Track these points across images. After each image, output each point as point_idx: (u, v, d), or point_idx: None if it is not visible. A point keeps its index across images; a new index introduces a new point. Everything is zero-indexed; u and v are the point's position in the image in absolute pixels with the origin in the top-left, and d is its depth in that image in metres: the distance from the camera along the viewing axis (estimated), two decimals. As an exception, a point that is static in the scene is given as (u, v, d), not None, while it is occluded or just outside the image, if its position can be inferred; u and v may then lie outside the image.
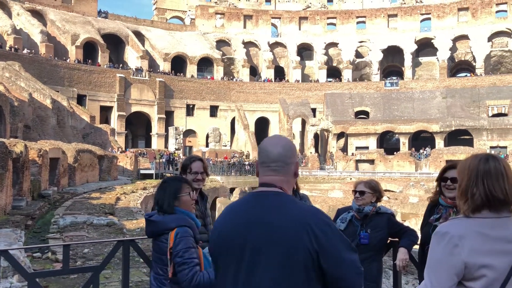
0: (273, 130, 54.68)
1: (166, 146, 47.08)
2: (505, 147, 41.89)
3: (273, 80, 58.60)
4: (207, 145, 50.81)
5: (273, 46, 62.54)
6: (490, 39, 55.82)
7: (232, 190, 34.16)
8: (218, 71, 57.98)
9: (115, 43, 55.81)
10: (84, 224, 11.51)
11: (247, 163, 40.38)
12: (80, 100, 45.89)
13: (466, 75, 56.92)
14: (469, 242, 1.74)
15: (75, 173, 22.55)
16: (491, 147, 42.50)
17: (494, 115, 46.14)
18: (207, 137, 51.29)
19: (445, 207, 3.49)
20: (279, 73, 61.35)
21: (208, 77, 57.56)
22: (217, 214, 15.75)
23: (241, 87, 56.11)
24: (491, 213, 1.81)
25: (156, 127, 50.40)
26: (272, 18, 64.06)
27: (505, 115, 45.39)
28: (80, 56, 49.43)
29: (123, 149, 39.48)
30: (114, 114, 48.18)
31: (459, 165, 1.95)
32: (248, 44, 61.96)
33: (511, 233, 1.78)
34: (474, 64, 55.98)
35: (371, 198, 4.21)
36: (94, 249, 8.68)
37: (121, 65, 52.57)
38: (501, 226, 1.79)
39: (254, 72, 62.08)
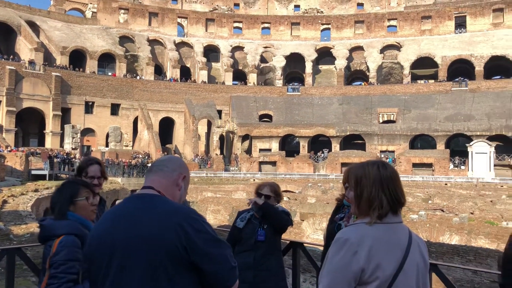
0: (178, 130, 53.95)
1: (61, 146, 44.15)
2: (393, 152, 45.63)
3: (179, 80, 57.83)
4: (107, 145, 48.63)
5: (179, 45, 61.76)
6: (382, 51, 60.52)
7: (133, 191, 32.99)
8: (121, 68, 55.81)
9: (4, 32, 51.17)
10: (-37, 230, 10.39)
11: (149, 164, 39.31)
12: (-39, 92, 41.36)
13: (360, 84, 61.06)
14: (367, 248, 1.84)
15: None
16: (381, 151, 46.03)
17: (384, 122, 50.02)
18: (107, 136, 49.08)
19: (348, 207, 3.73)
20: (185, 73, 60.74)
21: (110, 73, 55.16)
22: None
23: (145, 86, 54.55)
24: (392, 217, 1.94)
25: (51, 125, 47.02)
26: (179, 17, 63.29)
27: (393, 122, 49.45)
28: (-38, 44, 44.57)
29: (12, 147, 36.29)
30: (3, 110, 44.10)
31: (354, 174, 2.02)
32: (153, 42, 60.50)
33: (400, 238, 1.92)
34: (368, 73, 60.27)
35: (273, 201, 4.42)
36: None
37: (11, 56, 48.31)
38: (394, 231, 1.93)
39: (159, 71, 60.76)
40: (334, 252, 1.89)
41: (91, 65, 54.09)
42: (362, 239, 1.86)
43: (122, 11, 60.87)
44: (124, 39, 59.10)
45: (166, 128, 53.99)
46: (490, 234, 13.75)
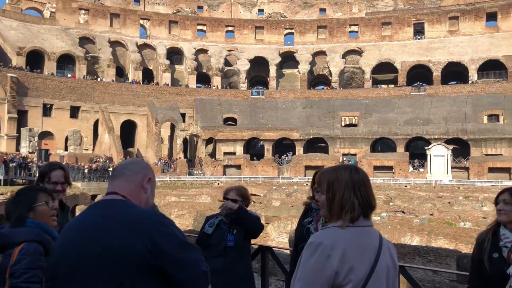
0: (140, 134, 53.03)
1: (18, 149, 42.51)
2: (355, 155, 46.49)
3: (141, 83, 56.89)
4: (66, 149, 47.21)
5: (141, 47, 60.80)
6: (344, 56, 61.70)
7: (94, 197, 32.22)
8: (81, 70, 54.37)
9: (-44, 30, 48.95)
10: None
11: (111, 168, 38.45)
12: None
13: (323, 88, 62.02)
14: (340, 252, 1.85)
15: None
16: (344, 154, 46.81)
17: (346, 126, 50.95)
18: (67, 140, 47.66)
19: (316, 211, 3.73)
20: (148, 76, 59.84)
21: (69, 75, 53.63)
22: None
23: (106, 88, 53.34)
24: (363, 221, 1.95)
25: (6, 128, 45.17)
26: (141, 19, 62.34)
27: (355, 125, 50.45)
28: None
29: (-36, 151, 34.62)
30: (-47, 112, 42.09)
31: (326, 178, 2.03)
32: (114, 44, 59.30)
33: (371, 241, 1.95)
34: (330, 78, 61.29)
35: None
36: None
37: (-37, 56, 46.23)
38: (366, 234, 1.95)
39: (120, 73, 59.59)
40: (308, 256, 1.88)
41: (50, 66, 52.43)
42: (335, 243, 1.86)
43: (83, 11, 59.39)
44: (84, 40, 57.63)
45: (128, 131, 52.94)
46: (449, 234, 14.20)
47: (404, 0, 65.54)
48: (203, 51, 62.53)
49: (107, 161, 41.69)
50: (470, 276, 3.08)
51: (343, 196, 1.95)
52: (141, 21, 62.34)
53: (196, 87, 59.26)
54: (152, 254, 1.78)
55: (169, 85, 58.06)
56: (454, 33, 58.93)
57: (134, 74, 58.08)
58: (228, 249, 4.04)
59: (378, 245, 1.94)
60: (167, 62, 60.18)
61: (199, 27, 64.30)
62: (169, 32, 62.79)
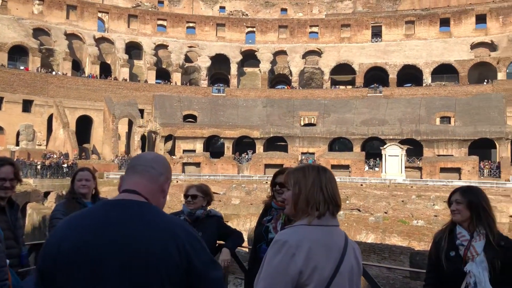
0: (97, 129, 51.65)
1: (-36, 144, 40.44)
2: (313, 153, 47.20)
3: (98, 77, 55.39)
4: (17, 144, 45.31)
5: (99, 41, 59.19)
6: (304, 56, 62.46)
7: (46, 194, 31.11)
8: (34, 62, 52.31)
9: None
10: None
11: (65, 165, 37.26)
12: None
13: (283, 87, 62.56)
14: (305, 250, 1.86)
15: None
16: (302, 153, 47.43)
17: (305, 125, 51.63)
18: (18, 134, 45.75)
19: (276, 209, 3.74)
20: (106, 70, 58.34)
21: (22, 67, 51.48)
22: (27, 222, 14.10)
23: (61, 82, 51.58)
24: (330, 220, 1.98)
25: (-48, 121, 42.95)
26: (100, 12, 60.65)
27: (314, 125, 51.21)
28: None
29: None
30: None
31: (294, 175, 2.06)
32: (71, 36, 57.41)
33: (337, 241, 1.97)
34: (290, 78, 61.89)
35: (202, 202, 4.31)
36: None
37: None
38: (331, 234, 1.97)
39: (77, 66, 57.78)
40: (272, 254, 1.87)
41: (1, 57, 50.14)
42: (300, 242, 1.87)
43: (37, 1, 57.10)
44: (39, 32, 55.45)
45: (84, 127, 51.43)
46: (403, 232, 14.68)
47: (363, 3, 67.05)
48: (163, 46, 61.61)
49: (62, 157, 40.36)
50: (427, 274, 3.17)
51: (309, 192, 1.97)
52: (100, 14, 60.66)
53: (156, 83, 58.32)
54: (185, 270, 1.69)
55: (128, 80, 56.86)
56: (410, 37, 60.87)
57: (91, 68, 56.46)
58: None
59: (343, 245, 1.96)
60: (126, 56, 58.89)
61: (160, 22, 63.28)
62: (128, 26, 61.45)
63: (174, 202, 25.88)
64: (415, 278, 8.41)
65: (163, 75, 61.12)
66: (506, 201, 26.54)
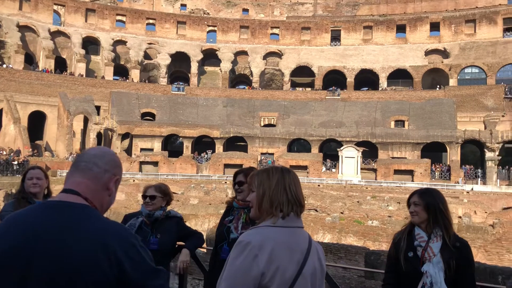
0: (50, 126, 49.84)
1: None
2: (273, 154, 47.55)
3: (53, 72, 53.47)
4: (-36, 139, 43.07)
5: (54, 34, 57.16)
6: (265, 57, 62.81)
7: (-5, 192, 29.69)
8: (-16, 54, 49.92)
9: None
10: None
11: (16, 162, 35.76)
12: None
13: (244, 88, 62.64)
14: (268, 252, 1.86)
15: None
16: (262, 153, 47.68)
17: (265, 125, 51.92)
18: (-35, 129, 43.52)
19: (237, 209, 3.73)
20: (61, 65, 56.40)
21: (-30, 59, 49.03)
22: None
23: (12, 75, 49.41)
24: (294, 221, 1.99)
25: None
26: (55, 4, 58.53)
27: (274, 126, 51.59)
28: None
29: None
30: None
31: (258, 176, 2.07)
32: (24, 29, 55.10)
33: (300, 242, 1.98)
34: (251, 78, 62.08)
35: (161, 202, 4.23)
36: None
37: None
38: (295, 235, 1.98)
39: (30, 60, 55.54)
40: (235, 255, 1.87)
41: None
42: (263, 243, 1.87)
43: (-13, -10, 54.50)
44: (-11, 22, 52.96)
45: (36, 123, 49.49)
46: (358, 232, 15.03)
47: (323, 7, 68.16)
48: (121, 42, 60.25)
49: (12, 154, 38.69)
50: (386, 273, 3.25)
51: (273, 192, 1.99)
52: (55, 7, 58.57)
53: (113, 79, 56.95)
54: (117, 281, 1.61)
55: (84, 76, 55.23)
56: (368, 42, 62.43)
57: (45, 62, 54.43)
58: (151, 252, 3.88)
59: (307, 247, 1.97)
60: (83, 51, 57.17)
61: (119, 17, 61.85)
62: (86, 21, 59.69)
63: (130, 202, 25.41)
64: (369, 277, 8.63)
65: (121, 71, 59.78)
66: (456, 203, 27.74)
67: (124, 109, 49.84)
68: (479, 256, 12.75)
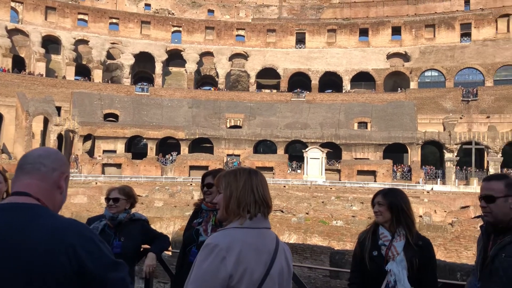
0: (8, 127, 48.06)
1: None
2: (239, 155, 47.55)
3: (10, 71, 51.58)
4: None
5: (12, 32, 55.14)
6: (230, 58, 62.75)
7: None
8: None
9: None
10: None
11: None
12: None
13: (210, 89, 62.37)
14: (235, 254, 1.85)
15: None
16: (228, 155, 47.59)
17: (231, 127, 51.86)
18: None
19: (206, 211, 3.69)
20: (19, 64, 54.47)
21: None
22: None
23: (-33, 75, 47.40)
24: (262, 222, 1.98)
25: None
26: (13, 1, 56.52)
27: (240, 127, 51.61)
28: None
29: None
30: None
31: (225, 178, 2.06)
32: (-21, 26, 52.96)
33: (267, 243, 1.98)
34: (217, 79, 61.89)
35: (125, 205, 4.15)
36: None
37: None
38: (263, 236, 1.98)
39: (-15, 59, 53.38)
40: (202, 258, 1.86)
41: None
42: (231, 245, 1.87)
43: None
44: None
45: (-8, 124, 47.65)
46: (323, 232, 15.22)
47: (288, 10, 68.75)
48: (83, 41, 58.79)
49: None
50: (352, 273, 3.29)
51: (240, 193, 1.99)
52: (13, 4, 56.52)
53: (75, 79, 55.50)
54: (77, 275, 1.59)
55: (44, 75, 53.55)
56: (332, 45, 63.42)
57: (2, 61, 52.45)
58: (115, 256, 3.81)
59: (274, 248, 1.98)
60: (42, 50, 55.43)
61: (80, 16, 60.33)
62: (46, 19, 57.89)
63: (93, 205, 24.83)
64: (335, 277, 8.74)
65: (83, 71, 58.33)
66: (416, 202, 28.55)
67: (86, 110, 48.65)
68: (439, 254, 13.16)
